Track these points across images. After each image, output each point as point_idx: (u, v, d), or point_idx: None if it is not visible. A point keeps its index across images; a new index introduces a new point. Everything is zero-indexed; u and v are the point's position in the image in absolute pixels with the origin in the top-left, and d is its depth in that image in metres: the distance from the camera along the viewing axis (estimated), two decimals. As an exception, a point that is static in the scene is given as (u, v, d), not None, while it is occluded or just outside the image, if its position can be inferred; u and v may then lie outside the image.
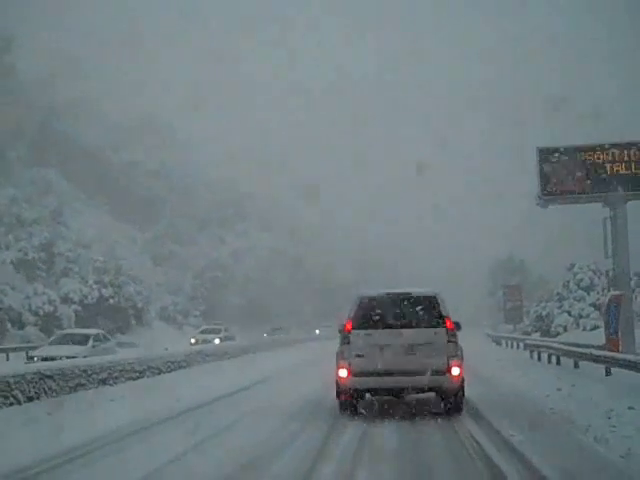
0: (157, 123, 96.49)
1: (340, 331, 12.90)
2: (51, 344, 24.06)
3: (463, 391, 12.75)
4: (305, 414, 13.43)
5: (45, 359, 19.89)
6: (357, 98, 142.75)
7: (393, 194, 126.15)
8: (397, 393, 12.95)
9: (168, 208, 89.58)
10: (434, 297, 12.78)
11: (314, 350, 34.97)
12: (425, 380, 12.19)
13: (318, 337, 49.82)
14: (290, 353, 30.23)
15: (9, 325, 41.59)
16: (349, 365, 12.43)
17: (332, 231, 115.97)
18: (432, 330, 12.40)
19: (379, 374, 12.32)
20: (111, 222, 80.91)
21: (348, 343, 12.54)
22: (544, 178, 28.83)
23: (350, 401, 12.80)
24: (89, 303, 49.41)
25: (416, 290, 13.16)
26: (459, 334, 12.85)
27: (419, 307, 12.66)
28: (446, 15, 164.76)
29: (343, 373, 12.51)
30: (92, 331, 25.88)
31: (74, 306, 48.16)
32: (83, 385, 13.91)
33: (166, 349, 20.97)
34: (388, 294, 13.09)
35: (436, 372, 12.17)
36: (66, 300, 48.11)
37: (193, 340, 38.51)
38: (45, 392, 12.47)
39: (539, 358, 27.40)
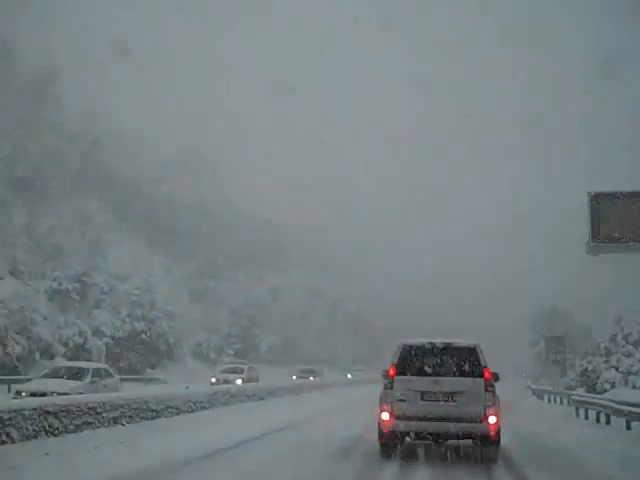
0: (198, 157, 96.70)
1: (383, 376, 13.53)
2: (43, 377, 21.86)
3: (499, 439, 13.18)
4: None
5: (34, 394, 18.11)
6: (396, 139, 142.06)
7: (435, 241, 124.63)
8: (436, 438, 13.43)
9: (206, 243, 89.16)
10: (474, 348, 13.37)
11: (344, 396, 33.47)
12: (463, 427, 12.79)
13: (350, 382, 47.95)
14: (320, 398, 28.81)
15: (38, 355, 40.85)
16: (391, 409, 13.09)
17: (371, 275, 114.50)
18: (471, 380, 12.99)
19: (419, 418, 12.92)
20: (149, 255, 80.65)
21: (391, 388, 13.19)
22: (595, 225, 27.02)
23: (391, 443, 13.51)
24: (120, 337, 48.63)
25: (457, 341, 13.71)
26: (499, 386, 13.39)
27: (459, 357, 13.30)
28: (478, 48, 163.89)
29: (385, 416, 13.15)
30: (91, 365, 23.84)
31: (105, 339, 47.43)
32: (91, 424, 12.75)
33: (187, 387, 19.61)
34: (430, 343, 13.60)
35: (474, 420, 12.75)
36: (97, 332, 47.40)
37: (214, 379, 36.92)
38: (45, 430, 11.34)
39: (586, 416, 25.62)
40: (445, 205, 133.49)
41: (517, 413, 27.00)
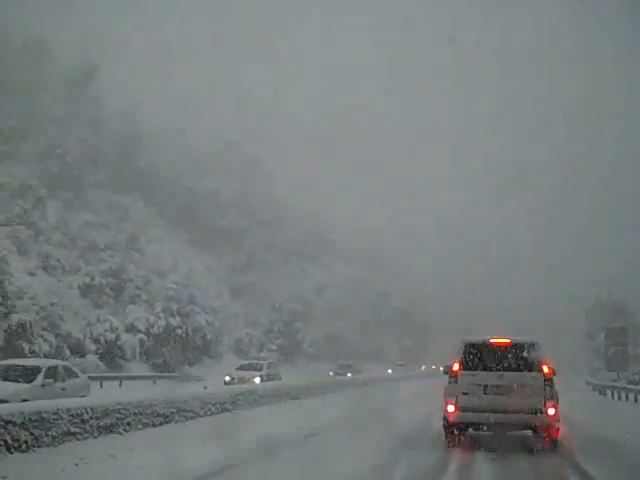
0: (241, 151, 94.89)
1: (446, 372, 14.41)
2: None
3: (558, 430, 13.79)
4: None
5: None
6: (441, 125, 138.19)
7: (482, 232, 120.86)
8: (498, 428, 14.21)
9: (250, 238, 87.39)
10: (532, 344, 14.14)
11: (385, 394, 30.33)
12: (523, 418, 13.62)
13: (391, 378, 44.57)
14: (355, 397, 26.09)
15: (68, 352, 39.05)
16: (456, 401, 13.91)
17: (419, 270, 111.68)
18: (530, 374, 13.73)
19: (483, 410, 13.72)
20: (190, 251, 79.05)
21: (456, 382, 14.01)
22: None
23: (456, 433, 14.23)
24: (156, 332, 46.71)
25: (516, 337, 14.51)
26: (555, 380, 13.91)
27: (519, 353, 14.07)
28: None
29: (451, 408, 13.97)
30: (46, 362, 19.70)
31: (140, 335, 45.55)
32: (74, 434, 10.47)
33: (205, 387, 16.98)
34: (491, 340, 14.39)
35: (534, 411, 13.48)
36: (131, 328, 45.56)
37: (227, 378, 32.51)
38: (7, 445, 9.04)
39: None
40: (494, 192, 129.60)
41: (583, 413, 24.15)
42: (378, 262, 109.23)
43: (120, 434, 11.65)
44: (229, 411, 16.30)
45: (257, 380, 30.34)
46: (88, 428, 10.82)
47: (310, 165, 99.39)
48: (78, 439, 10.49)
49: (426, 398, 25.53)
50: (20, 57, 69.67)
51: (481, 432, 14.84)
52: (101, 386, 34.42)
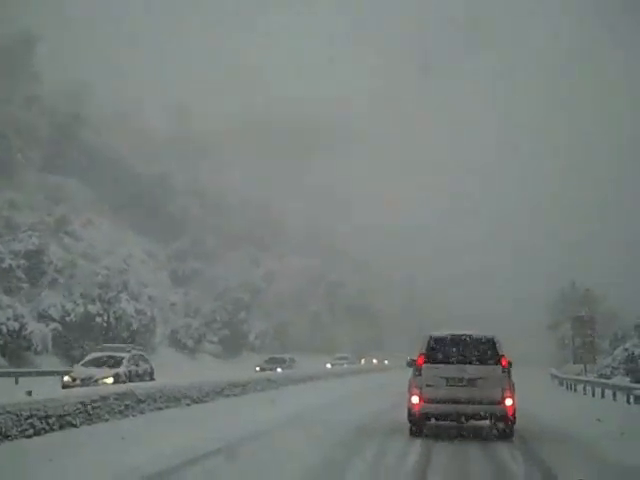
0: (192, 138, 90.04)
1: (410, 365, 15.32)
2: None
3: (515, 419, 14.63)
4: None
5: None
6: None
7: (444, 228, 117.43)
8: (459, 418, 14.91)
9: (197, 225, 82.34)
10: (492, 339, 15.04)
11: (324, 393, 25.08)
12: (483, 408, 14.51)
13: (331, 373, 38.74)
14: (290, 397, 21.14)
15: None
16: (420, 393, 14.72)
17: (375, 259, 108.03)
18: (490, 367, 14.70)
19: (445, 401, 14.61)
20: (131, 236, 73.97)
21: (420, 375, 14.85)
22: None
23: (419, 423, 14.90)
24: (72, 321, 41.26)
25: (477, 333, 15.33)
26: (517, 374, 15.24)
27: (479, 347, 14.99)
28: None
29: (415, 400, 14.77)
30: None
31: (53, 324, 40.06)
32: None
33: (29, 393, 11.58)
34: (454, 335, 15.22)
35: (492, 402, 14.45)
36: (44, 317, 40.07)
37: (67, 378, 23.85)
38: None
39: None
40: (448, 177, 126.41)
41: (558, 412, 20.01)
42: (333, 253, 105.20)
43: None
44: (76, 427, 11.26)
45: (109, 381, 22.28)
46: None
47: (264, 154, 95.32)
48: None
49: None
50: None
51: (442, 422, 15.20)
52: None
